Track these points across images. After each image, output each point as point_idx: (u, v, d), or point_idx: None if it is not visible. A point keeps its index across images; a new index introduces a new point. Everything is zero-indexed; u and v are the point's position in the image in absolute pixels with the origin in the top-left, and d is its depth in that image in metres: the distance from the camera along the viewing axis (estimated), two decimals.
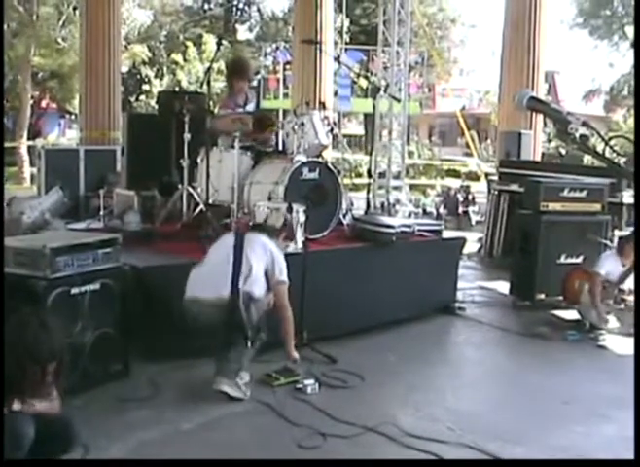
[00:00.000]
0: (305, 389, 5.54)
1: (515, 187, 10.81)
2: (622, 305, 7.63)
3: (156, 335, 5.90)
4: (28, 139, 28.89)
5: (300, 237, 6.65)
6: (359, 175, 23.59)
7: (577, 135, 3.04)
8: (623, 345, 6.98)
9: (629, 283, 7.48)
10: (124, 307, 5.56)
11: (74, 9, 26.56)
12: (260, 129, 8.14)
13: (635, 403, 4.45)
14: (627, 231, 9.01)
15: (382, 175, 14.75)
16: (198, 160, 7.81)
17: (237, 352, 5.34)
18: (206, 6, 39.45)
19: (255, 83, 27.65)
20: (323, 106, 8.70)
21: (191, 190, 7.85)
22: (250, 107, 8.23)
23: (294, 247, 6.47)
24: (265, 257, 5.54)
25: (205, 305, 5.31)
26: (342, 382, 5.78)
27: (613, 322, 7.37)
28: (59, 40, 29.02)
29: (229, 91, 8.43)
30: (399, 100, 13.62)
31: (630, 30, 33.40)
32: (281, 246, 5.82)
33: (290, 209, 6.63)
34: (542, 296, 8.32)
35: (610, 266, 7.47)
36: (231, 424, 5.02)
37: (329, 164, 7.82)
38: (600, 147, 3.25)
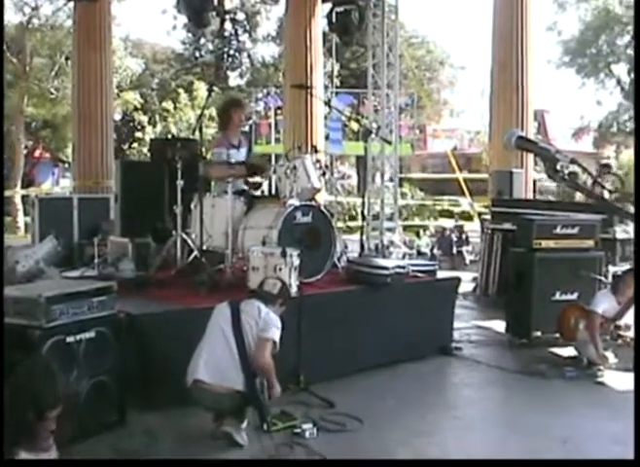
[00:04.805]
0: (304, 434, 5.49)
1: (507, 225, 10.83)
2: (620, 341, 7.62)
3: (151, 383, 5.87)
4: (22, 188, 28.98)
5: (294, 281, 6.64)
6: (352, 218, 23.67)
7: (566, 173, 3.06)
8: (622, 381, 6.95)
9: (625, 319, 7.47)
10: (120, 355, 5.53)
11: (66, 59, 26.81)
12: (252, 175, 8.20)
13: (635, 403, 4.42)
14: (621, 266, 9.03)
15: (376, 217, 14.81)
16: (192, 206, 7.84)
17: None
18: (197, 53, 39.83)
19: (247, 128, 27.80)
20: (315, 150, 8.74)
21: (184, 236, 7.86)
22: (243, 151, 8.27)
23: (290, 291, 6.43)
24: (257, 326, 5.35)
25: (214, 393, 5.18)
26: (341, 426, 5.73)
27: (611, 358, 7.35)
28: (52, 90, 29.26)
29: (223, 132, 8.44)
30: (390, 142, 13.72)
31: (616, 68, 33.84)
32: (278, 311, 5.59)
33: (284, 254, 6.63)
34: (538, 333, 8.31)
35: (606, 304, 7.46)
36: None
37: (322, 208, 7.86)
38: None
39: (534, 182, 19.04)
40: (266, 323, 5.37)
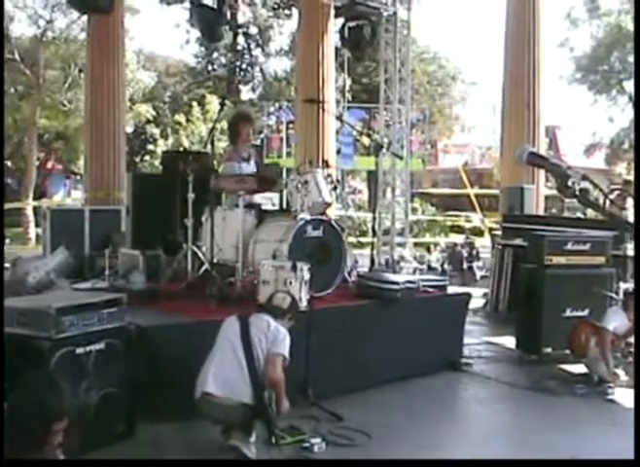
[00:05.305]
0: (312, 448, 5.48)
1: (518, 241, 10.80)
2: (630, 358, 7.58)
3: (160, 395, 5.86)
4: (34, 200, 29.11)
5: (304, 295, 6.63)
6: (363, 233, 23.64)
7: (577, 189, 3.07)
8: (632, 398, 6.90)
9: None
10: (129, 367, 5.53)
11: (79, 71, 26.99)
12: (263, 189, 8.21)
13: (635, 403, 4.38)
14: (632, 283, 8.98)
15: (386, 232, 14.81)
16: (203, 219, 7.85)
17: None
18: (210, 67, 39.94)
19: (258, 142, 27.83)
20: (326, 164, 8.76)
21: (195, 249, 7.88)
22: (251, 165, 8.30)
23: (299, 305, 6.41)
24: (266, 340, 5.34)
25: (223, 406, 5.16)
26: (349, 441, 5.71)
27: (621, 375, 7.31)
28: (65, 102, 29.44)
29: (233, 146, 8.49)
30: (401, 158, 13.75)
31: (628, 85, 33.81)
32: (287, 325, 5.57)
33: (294, 267, 6.63)
34: (548, 350, 8.27)
35: (617, 321, 7.43)
36: None
37: (333, 222, 7.86)
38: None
39: (562, 199, 18.92)
40: (276, 337, 5.36)
